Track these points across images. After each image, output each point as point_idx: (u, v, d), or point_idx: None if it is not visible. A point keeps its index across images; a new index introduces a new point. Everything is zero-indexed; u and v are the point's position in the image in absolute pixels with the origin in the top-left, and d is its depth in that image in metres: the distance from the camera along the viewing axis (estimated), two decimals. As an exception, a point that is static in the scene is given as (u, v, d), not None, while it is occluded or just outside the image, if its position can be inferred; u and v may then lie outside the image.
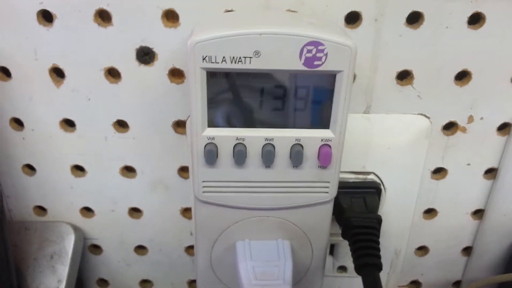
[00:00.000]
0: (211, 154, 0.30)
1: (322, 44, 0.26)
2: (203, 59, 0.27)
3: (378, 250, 0.33)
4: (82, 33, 0.34)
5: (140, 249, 0.45)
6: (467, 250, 0.45)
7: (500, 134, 0.38)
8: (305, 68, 0.27)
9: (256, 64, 0.27)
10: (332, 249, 0.42)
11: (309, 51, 0.27)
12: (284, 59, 0.27)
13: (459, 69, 0.35)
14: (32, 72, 0.36)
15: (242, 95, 0.29)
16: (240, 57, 0.27)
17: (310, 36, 0.26)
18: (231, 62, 0.27)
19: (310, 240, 0.34)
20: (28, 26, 0.34)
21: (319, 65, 0.27)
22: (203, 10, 0.32)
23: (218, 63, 0.27)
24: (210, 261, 0.35)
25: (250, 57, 0.27)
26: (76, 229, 0.42)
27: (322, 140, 0.30)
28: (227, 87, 0.28)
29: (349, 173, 0.37)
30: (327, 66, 0.27)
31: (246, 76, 0.28)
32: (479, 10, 0.32)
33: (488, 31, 0.33)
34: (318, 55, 0.27)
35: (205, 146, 0.30)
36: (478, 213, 0.42)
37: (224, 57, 0.27)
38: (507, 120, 0.37)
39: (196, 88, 0.28)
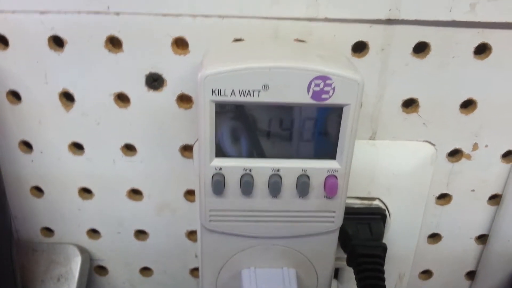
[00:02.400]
0: (218, 184, 0.30)
1: (330, 78, 0.27)
2: (213, 92, 0.27)
3: (383, 280, 0.33)
4: (93, 58, 0.34)
5: (145, 270, 0.45)
6: (471, 275, 0.45)
7: (504, 161, 0.38)
8: (313, 102, 0.27)
9: (264, 97, 0.27)
10: (337, 273, 0.42)
11: (317, 85, 0.27)
12: (292, 93, 0.27)
13: (464, 97, 0.35)
14: (42, 96, 0.36)
15: (250, 126, 0.29)
16: (249, 90, 0.27)
17: (318, 71, 0.27)
18: (240, 95, 0.27)
19: (316, 268, 0.35)
20: (39, 51, 0.34)
21: (326, 99, 0.27)
22: (213, 38, 0.33)
23: (227, 96, 0.27)
24: (215, 287, 0.35)
25: (259, 90, 0.27)
26: (83, 251, 0.43)
27: (328, 171, 0.30)
28: (235, 118, 0.29)
29: (355, 198, 0.38)
30: (335, 99, 0.27)
31: (254, 108, 0.28)
32: (486, 41, 0.33)
33: (494, 61, 0.33)
34: (326, 89, 0.27)
35: (212, 176, 0.30)
36: (482, 238, 0.42)
37: (233, 90, 0.27)
38: (511, 148, 0.37)
39: (205, 119, 0.28)
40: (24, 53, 0.34)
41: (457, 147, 0.37)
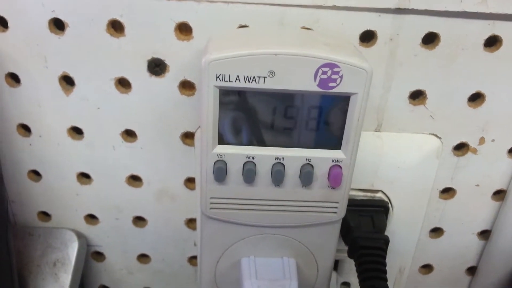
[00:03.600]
0: (220, 171, 0.29)
1: (337, 66, 0.26)
2: (217, 77, 0.26)
3: (385, 272, 0.32)
4: (94, 42, 0.33)
5: (143, 257, 0.45)
6: (472, 270, 0.45)
7: (511, 156, 0.37)
8: (320, 90, 0.27)
9: (270, 84, 0.27)
10: (336, 264, 0.42)
11: (324, 72, 0.26)
12: (298, 80, 0.26)
13: (472, 91, 0.34)
14: (42, 79, 0.35)
15: (254, 113, 0.29)
16: (254, 77, 0.26)
17: (325, 58, 0.26)
18: (245, 81, 0.26)
19: (316, 259, 0.34)
20: (39, 34, 0.34)
21: (333, 87, 0.27)
22: (217, 24, 0.32)
23: (231, 81, 0.26)
24: (214, 276, 0.35)
25: (264, 77, 0.26)
26: (80, 236, 0.42)
27: (333, 161, 0.29)
28: (239, 105, 0.28)
29: (357, 190, 0.37)
30: (342, 88, 0.27)
31: (259, 95, 0.28)
32: (496, 33, 0.32)
33: (504, 54, 0.33)
34: (333, 77, 0.26)
35: (214, 163, 0.29)
36: (485, 234, 0.42)
37: (238, 76, 0.26)
38: (518, 143, 0.37)
39: (208, 105, 0.27)
40: (24, 36, 0.34)
41: (463, 140, 0.37)
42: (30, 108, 0.37)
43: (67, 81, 0.36)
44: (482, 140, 0.36)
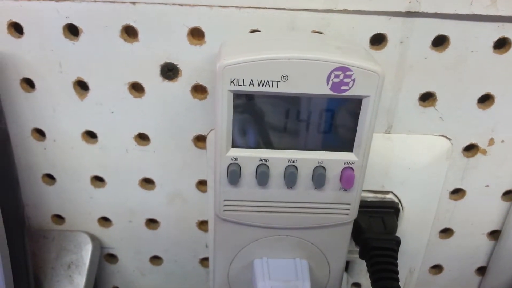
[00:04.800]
0: (234, 174, 0.30)
1: (350, 70, 0.26)
2: (231, 81, 0.27)
3: (397, 273, 0.33)
4: (108, 47, 0.34)
5: (155, 259, 0.46)
6: (481, 270, 0.45)
7: (520, 157, 0.38)
8: (332, 93, 0.27)
9: (283, 88, 0.27)
10: (347, 265, 0.42)
11: (337, 76, 0.27)
12: (311, 84, 0.27)
13: (482, 92, 0.35)
14: (56, 84, 0.36)
15: (267, 116, 0.29)
16: (267, 81, 0.27)
17: (338, 62, 0.26)
18: (259, 86, 0.27)
19: (328, 260, 0.35)
20: (54, 39, 0.34)
21: (346, 90, 0.27)
22: (229, 29, 0.33)
23: (245, 86, 0.27)
24: (227, 277, 0.35)
25: (278, 81, 0.27)
26: (94, 238, 0.43)
27: (345, 163, 0.30)
28: (253, 109, 0.29)
29: (368, 191, 0.37)
30: (354, 91, 0.27)
31: (272, 98, 0.28)
32: (506, 35, 0.32)
33: (513, 56, 0.33)
34: (346, 80, 0.27)
35: (228, 166, 0.30)
36: (494, 234, 0.42)
37: (252, 80, 0.27)
38: (527, 144, 0.37)
39: (222, 109, 0.28)
40: (39, 41, 0.34)
41: (473, 142, 0.37)
42: (44, 112, 0.38)
43: (81, 86, 0.36)
44: (491, 141, 0.37)
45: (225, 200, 0.31)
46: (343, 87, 0.27)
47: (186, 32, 0.33)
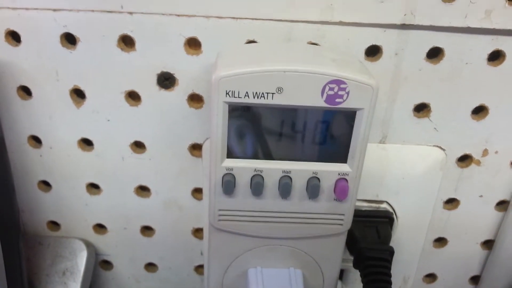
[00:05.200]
0: (229, 185, 0.30)
1: (344, 83, 0.27)
2: (227, 93, 0.27)
3: (390, 283, 0.33)
4: (105, 56, 0.34)
5: (150, 266, 0.46)
6: (475, 279, 0.45)
7: (514, 167, 0.38)
8: (327, 105, 0.27)
9: (278, 100, 0.27)
10: (342, 274, 0.42)
11: (331, 89, 0.27)
12: (306, 96, 0.27)
13: (476, 103, 0.35)
14: (53, 92, 0.36)
15: (262, 127, 0.29)
16: (262, 93, 0.27)
17: (332, 75, 0.27)
18: (254, 97, 0.27)
19: (322, 270, 0.35)
20: (51, 48, 0.34)
21: (340, 103, 0.27)
22: (225, 39, 0.33)
23: (241, 97, 0.27)
24: (221, 286, 0.36)
25: (273, 93, 0.27)
26: (89, 245, 0.43)
27: (339, 174, 0.30)
28: (248, 120, 0.29)
29: (362, 201, 0.38)
30: (348, 103, 0.27)
31: (267, 110, 0.28)
32: (500, 48, 0.33)
33: (507, 69, 0.33)
34: (340, 93, 0.27)
35: (223, 176, 0.30)
36: (488, 243, 0.43)
37: (247, 92, 0.27)
38: (521, 155, 0.37)
39: (217, 120, 0.28)
40: (36, 50, 0.35)
41: (467, 152, 0.37)
42: (41, 120, 0.38)
43: (78, 94, 0.36)
44: (485, 152, 0.37)
45: (219, 210, 0.31)
46: (337, 100, 0.27)
47: (183, 42, 0.33)
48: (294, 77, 0.27)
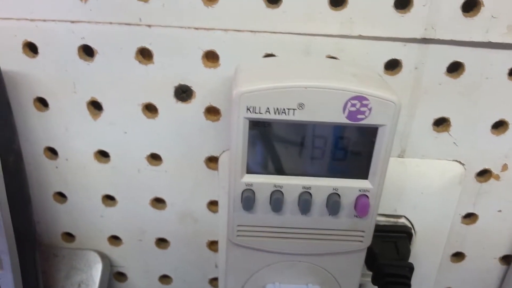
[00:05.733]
0: (248, 200, 0.30)
1: (366, 99, 0.26)
2: (248, 109, 0.27)
3: (411, 300, 0.32)
4: (122, 69, 0.34)
5: (165, 278, 0.45)
6: (493, 294, 0.45)
7: (533, 183, 0.37)
8: (348, 121, 0.27)
9: (299, 116, 0.27)
10: (358, 288, 0.42)
11: (353, 105, 0.27)
12: (327, 112, 0.27)
13: (496, 118, 0.35)
14: (70, 104, 0.36)
15: (282, 143, 0.29)
16: (284, 109, 0.27)
17: (355, 91, 0.26)
18: (275, 113, 0.27)
19: (341, 286, 0.34)
20: (68, 60, 0.34)
21: (362, 119, 0.27)
22: (244, 52, 0.33)
23: (262, 113, 0.27)
24: (239, 301, 0.35)
25: (294, 109, 0.27)
26: (104, 257, 0.43)
27: (360, 190, 0.30)
28: (268, 135, 0.29)
29: (381, 215, 0.37)
30: (370, 120, 0.27)
31: (287, 125, 0.28)
32: (521, 63, 0.32)
33: (528, 83, 0.33)
34: (362, 109, 0.27)
35: (243, 192, 0.30)
36: (506, 258, 0.42)
37: (268, 108, 0.27)
38: (540, 170, 0.37)
39: (238, 136, 0.28)
40: (53, 62, 0.35)
41: (486, 167, 0.37)
42: (57, 131, 0.38)
43: (95, 106, 0.36)
44: (505, 167, 0.37)
45: (238, 226, 0.31)
46: (359, 116, 0.27)
47: (200, 55, 0.33)
48: (316, 93, 0.26)
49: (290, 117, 0.27)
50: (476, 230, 0.40)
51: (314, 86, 0.26)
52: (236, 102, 0.27)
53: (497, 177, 0.37)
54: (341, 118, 0.27)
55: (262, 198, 0.30)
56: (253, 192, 0.30)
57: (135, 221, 0.42)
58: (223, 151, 0.37)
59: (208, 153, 0.37)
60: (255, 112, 0.27)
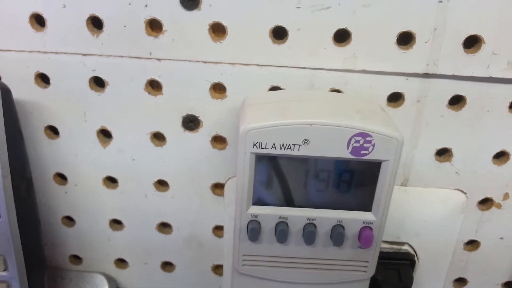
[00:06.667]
0: (254, 231, 0.30)
1: (370, 136, 0.27)
2: (254, 144, 0.28)
3: (414, 329, 0.33)
4: (132, 100, 0.35)
5: (170, 300, 0.46)
6: (496, 319, 0.45)
7: (535, 211, 0.38)
8: (352, 157, 0.28)
9: (304, 151, 0.28)
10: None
11: (357, 141, 0.27)
12: (332, 148, 0.28)
13: (497, 149, 0.35)
14: (80, 132, 0.37)
15: (287, 176, 0.30)
16: (289, 145, 0.28)
17: (358, 128, 0.27)
18: (281, 149, 0.28)
19: (344, 313, 0.35)
20: (79, 90, 0.35)
21: (365, 154, 0.28)
22: (250, 85, 0.34)
23: (268, 149, 0.28)
24: (244, 327, 0.36)
25: (299, 145, 0.28)
26: (110, 280, 0.43)
27: (363, 222, 0.30)
28: (274, 169, 0.29)
29: (384, 242, 0.38)
30: (374, 155, 0.28)
31: (293, 159, 0.29)
32: (521, 97, 0.33)
33: (528, 115, 0.34)
34: (366, 145, 0.27)
35: (248, 222, 0.30)
36: (509, 285, 0.42)
37: (274, 143, 0.28)
38: (541, 198, 0.37)
39: (244, 169, 0.29)
40: (65, 92, 0.35)
41: (488, 196, 0.37)
42: (67, 158, 0.38)
43: (105, 134, 0.37)
44: (506, 196, 0.37)
45: (243, 255, 0.32)
46: (362, 152, 0.28)
47: (208, 86, 0.34)
48: (321, 130, 0.27)
49: (295, 152, 0.28)
50: (478, 257, 0.40)
51: (319, 123, 0.27)
52: (243, 137, 0.27)
53: (499, 206, 0.38)
54: (345, 153, 0.28)
55: (268, 229, 0.31)
56: (259, 223, 0.30)
57: (142, 245, 0.42)
58: (229, 178, 0.38)
59: (214, 179, 0.38)
60: (262, 148, 0.28)
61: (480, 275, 0.41)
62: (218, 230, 0.41)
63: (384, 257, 0.37)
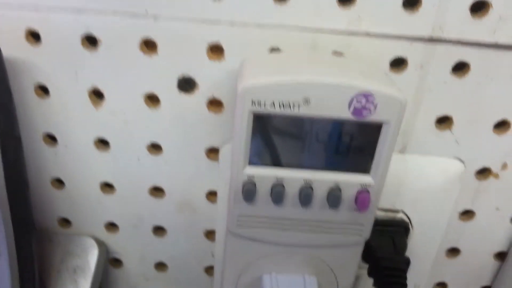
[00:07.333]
0: (249, 192, 0.30)
1: (372, 96, 0.27)
2: (253, 103, 0.27)
3: (408, 294, 0.33)
4: (126, 59, 0.34)
5: (160, 265, 0.46)
6: (486, 289, 0.45)
7: (532, 182, 0.38)
8: (353, 117, 0.27)
9: (304, 111, 0.27)
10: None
11: (359, 101, 0.27)
12: (332, 108, 0.27)
13: (499, 118, 0.35)
14: (71, 92, 0.36)
15: (285, 137, 0.29)
16: (289, 103, 0.27)
17: (361, 87, 0.26)
18: (280, 108, 0.27)
19: (337, 278, 0.35)
20: (71, 48, 0.34)
21: (367, 115, 0.27)
22: (249, 46, 0.33)
23: (267, 107, 0.27)
24: (236, 291, 0.36)
25: (299, 104, 0.27)
26: (100, 244, 0.43)
27: (361, 185, 0.30)
28: (272, 129, 0.29)
29: (379, 209, 0.37)
30: (375, 116, 0.27)
31: (291, 119, 0.28)
32: (527, 65, 0.32)
33: (533, 84, 0.33)
34: (367, 106, 0.27)
35: (244, 183, 0.30)
36: (501, 255, 0.43)
37: (273, 102, 0.27)
38: (540, 170, 0.37)
39: (241, 128, 0.28)
40: (56, 50, 0.34)
41: (486, 165, 0.37)
42: (57, 119, 0.37)
43: (97, 95, 0.36)
44: (504, 166, 0.37)
45: (239, 216, 0.31)
46: (364, 112, 0.27)
47: (205, 47, 0.33)
48: (322, 88, 0.26)
49: (295, 111, 0.27)
50: (473, 227, 0.40)
51: (320, 81, 0.26)
52: (241, 95, 0.27)
53: (496, 176, 0.37)
54: (346, 114, 0.27)
55: (263, 190, 0.30)
56: (254, 184, 0.30)
57: (133, 209, 0.42)
58: (225, 143, 0.37)
59: (209, 144, 0.37)
60: (260, 106, 0.27)
61: (473, 245, 0.42)
62: (211, 195, 0.40)
63: (379, 223, 0.37)
